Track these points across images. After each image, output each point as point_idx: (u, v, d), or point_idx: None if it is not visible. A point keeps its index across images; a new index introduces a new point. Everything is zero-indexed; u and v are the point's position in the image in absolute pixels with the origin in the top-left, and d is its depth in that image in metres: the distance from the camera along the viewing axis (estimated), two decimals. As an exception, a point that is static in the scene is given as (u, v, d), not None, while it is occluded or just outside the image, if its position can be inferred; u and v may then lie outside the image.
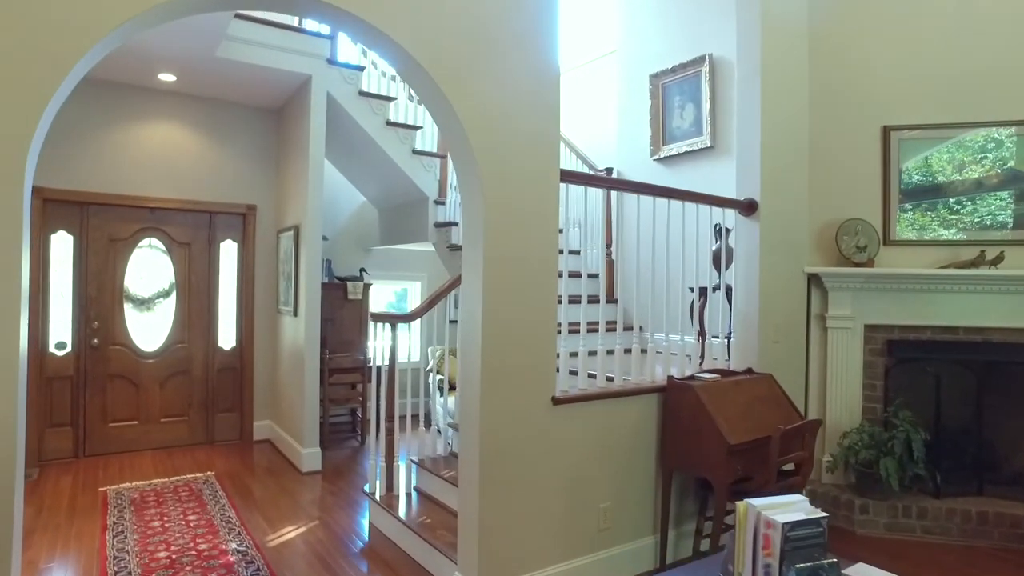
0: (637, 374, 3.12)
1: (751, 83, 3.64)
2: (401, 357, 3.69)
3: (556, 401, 2.68)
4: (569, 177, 2.80)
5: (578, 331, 2.92)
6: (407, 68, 2.42)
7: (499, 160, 2.51)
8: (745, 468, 2.85)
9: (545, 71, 2.66)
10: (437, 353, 5.01)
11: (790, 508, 1.49)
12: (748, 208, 3.60)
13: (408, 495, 3.61)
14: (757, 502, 1.51)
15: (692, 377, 3.14)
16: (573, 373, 2.95)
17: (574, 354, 2.93)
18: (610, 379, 3.05)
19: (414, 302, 6.82)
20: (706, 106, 4.33)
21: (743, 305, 3.63)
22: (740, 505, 1.53)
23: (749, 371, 3.42)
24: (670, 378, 3.05)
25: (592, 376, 2.99)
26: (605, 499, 2.89)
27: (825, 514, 1.49)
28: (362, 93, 4.77)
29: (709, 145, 4.32)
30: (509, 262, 2.53)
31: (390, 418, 3.64)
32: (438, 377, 4.56)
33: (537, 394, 2.63)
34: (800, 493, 2.95)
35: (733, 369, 3.47)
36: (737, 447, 2.77)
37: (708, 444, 2.83)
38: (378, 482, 3.62)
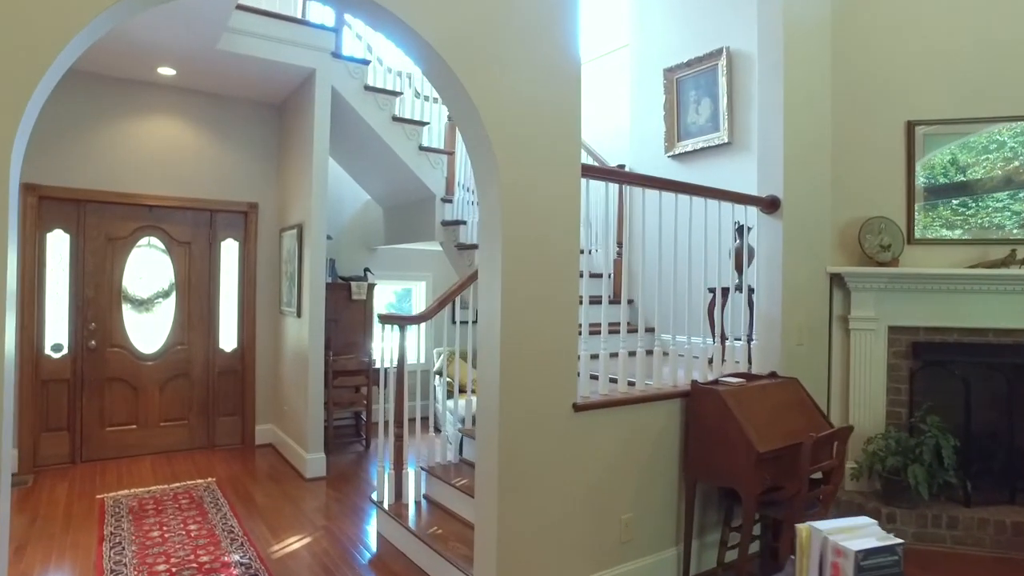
0: (658, 378, 2.99)
1: (773, 76, 3.51)
2: (408, 359, 3.55)
3: (577, 408, 2.54)
4: (590, 172, 2.67)
5: (596, 333, 2.79)
6: (422, 56, 2.28)
7: (519, 154, 2.38)
8: (774, 477, 2.72)
9: (566, 61, 2.53)
10: (443, 355, 4.88)
11: (860, 533, 1.36)
12: (770, 206, 3.47)
13: (418, 503, 3.48)
14: (822, 526, 1.38)
15: (716, 381, 3.01)
16: (593, 377, 2.81)
17: (594, 356, 2.80)
18: (631, 384, 2.91)
19: (418, 303, 6.69)
20: (723, 101, 4.20)
21: (765, 306, 3.50)
22: (803, 529, 1.39)
23: (773, 375, 3.29)
24: (694, 382, 2.92)
25: (613, 381, 2.86)
26: (627, 510, 2.76)
27: (900, 540, 1.36)
28: (367, 88, 4.63)
29: (726, 141, 4.19)
30: (529, 261, 2.40)
31: (399, 424, 3.50)
32: (445, 379, 4.41)
33: (558, 400, 2.49)
34: (830, 503, 2.83)
35: (756, 373, 3.34)
36: (766, 455, 2.64)
37: (735, 452, 2.70)
38: (386, 490, 3.49)
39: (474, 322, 5.78)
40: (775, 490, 2.77)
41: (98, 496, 3.89)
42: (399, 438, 3.50)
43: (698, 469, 2.88)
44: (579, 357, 2.60)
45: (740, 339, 3.67)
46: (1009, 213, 3.60)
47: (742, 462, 2.66)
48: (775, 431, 2.78)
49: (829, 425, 3.05)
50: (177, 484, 4.17)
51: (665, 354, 3.06)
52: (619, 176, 2.80)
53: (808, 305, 3.62)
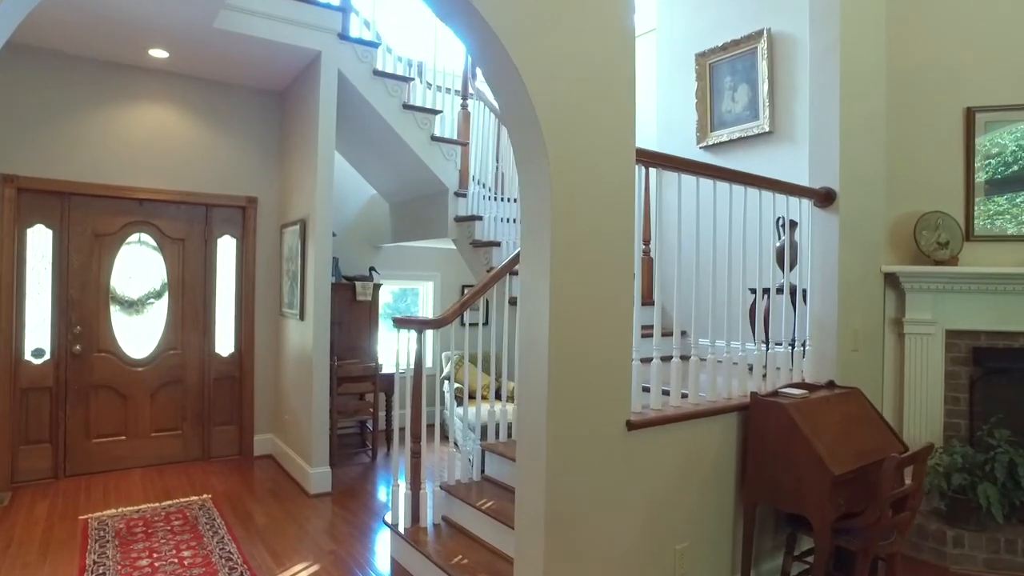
0: (712, 390, 2.67)
1: (827, 59, 3.20)
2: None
3: (632, 425, 2.22)
4: (647, 158, 2.34)
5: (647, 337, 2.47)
6: (461, 20, 1.95)
7: (569, 136, 2.05)
8: (848, 502, 2.41)
9: (619, 33, 2.20)
10: (452, 360, 4.56)
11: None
12: (825, 199, 3.16)
13: (436, 526, 3.15)
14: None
15: (776, 393, 2.70)
16: (645, 390, 2.49)
17: (645, 360, 2.47)
18: (684, 396, 2.59)
19: (426, 304, 6.35)
20: (763, 87, 3.89)
21: (819, 309, 3.19)
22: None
23: (831, 384, 2.99)
24: (753, 395, 2.60)
25: (665, 393, 2.54)
26: (682, 539, 2.44)
27: None
28: (376, 72, 4.30)
29: (767, 130, 3.88)
30: (581, 257, 2.08)
31: (416, 438, 3.17)
32: (454, 386, 4.08)
33: (611, 417, 2.17)
34: (907, 532, 2.52)
35: (813, 382, 3.03)
36: (840, 478, 2.33)
37: (804, 474, 2.38)
38: (401, 512, 3.15)
39: (477, 324, 5.46)
40: (847, 516, 2.46)
41: (81, 517, 3.53)
42: (416, 454, 3.17)
43: (758, 492, 2.57)
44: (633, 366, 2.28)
45: (781, 344, 3.37)
46: (1082, 207, 3.30)
47: (813, 485, 2.35)
48: (847, 450, 2.47)
49: (899, 441, 2.74)
50: (169, 502, 3.82)
51: (719, 362, 2.74)
52: (676, 163, 2.48)
53: (863, 307, 3.32)
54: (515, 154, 2.15)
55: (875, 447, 2.58)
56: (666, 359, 2.65)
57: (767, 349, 3.12)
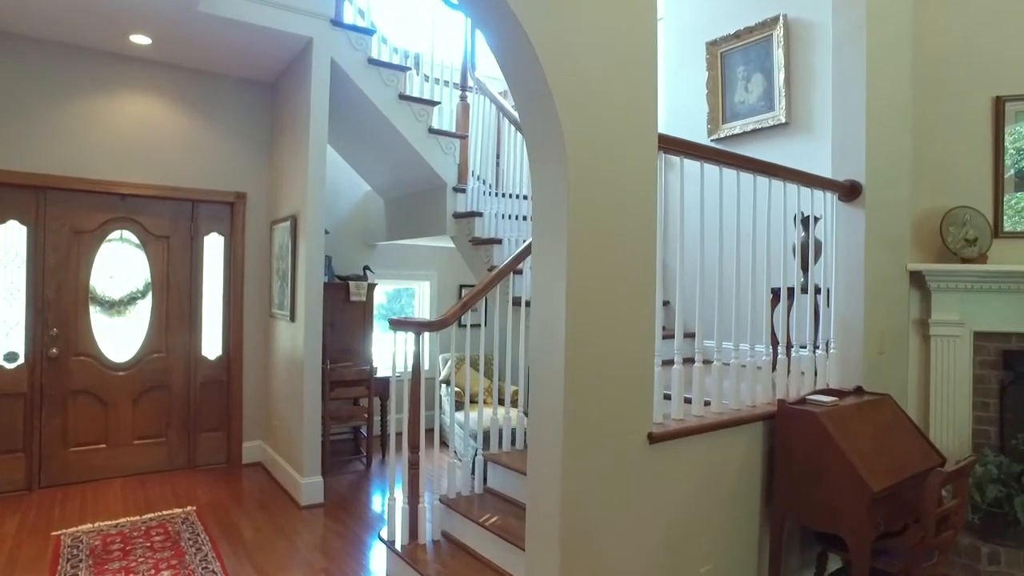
0: (735, 397, 2.47)
1: (851, 44, 3.01)
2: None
3: (653, 438, 2.02)
4: (670, 145, 2.14)
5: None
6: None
7: (588, 120, 1.85)
8: (885, 520, 2.21)
9: (641, 4, 2.00)
10: (451, 362, 4.35)
11: None
12: (850, 192, 2.97)
13: (436, 543, 2.94)
14: None
15: (804, 400, 2.50)
16: (664, 398, 2.29)
17: (666, 361, 2.27)
18: (707, 404, 2.39)
19: (422, 304, 6.14)
20: (779, 76, 3.70)
21: (844, 310, 3.00)
22: None
23: (859, 390, 2.79)
24: (781, 403, 2.40)
25: (687, 401, 2.33)
26: (706, 559, 2.24)
27: None
28: (371, 61, 4.08)
29: (783, 121, 3.68)
30: (599, 254, 1.87)
31: (414, 448, 2.96)
32: (453, 390, 3.87)
33: (631, 429, 1.97)
34: (949, 552, 2.32)
35: (839, 388, 2.83)
36: (880, 495, 2.13)
37: (839, 490, 2.19)
38: (398, 527, 2.94)
39: (479, 325, 5.25)
40: (885, 536, 2.27)
41: (54, 533, 3.30)
42: (414, 466, 2.95)
43: (787, 508, 2.37)
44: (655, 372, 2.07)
45: (805, 347, 3.17)
46: (1119, 202, 3.13)
47: (850, 503, 2.15)
48: (884, 463, 2.27)
49: (935, 452, 2.55)
50: (150, 515, 3.59)
51: (742, 366, 2.54)
52: (703, 152, 2.28)
53: (888, 308, 3.13)
54: (527, 141, 1.94)
55: (912, 459, 2.38)
56: (686, 362, 2.45)
57: (789, 352, 2.92)
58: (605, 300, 1.88)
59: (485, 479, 3.18)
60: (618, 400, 1.92)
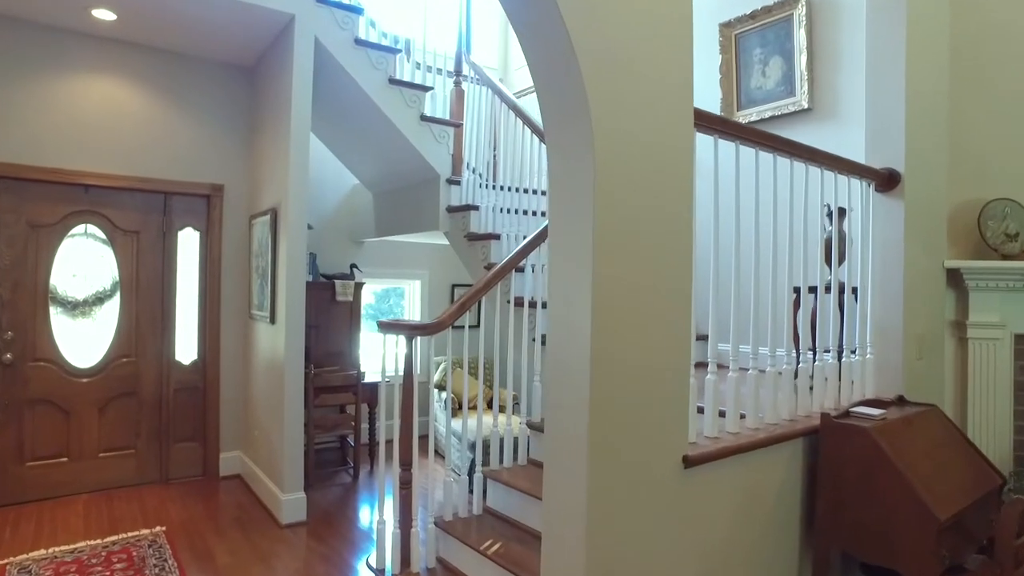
0: (773, 410, 2.19)
1: (888, 18, 2.74)
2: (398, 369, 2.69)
3: (689, 461, 1.73)
4: (708, 123, 1.85)
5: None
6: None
7: (619, 92, 1.56)
8: (952, 552, 1.93)
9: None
10: (446, 365, 4.05)
11: None
12: (887, 182, 2.70)
13: (430, 571, 2.63)
14: None
15: (848, 413, 2.22)
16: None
17: (699, 364, 1.97)
18: (742, 417, 2.11)
19: (412, 305, 5.82)
20: (800, 58, 3.43)
21: (880, 311, 2.72)
22: None
23: (901, 400, 2.52)
24: (825, 417, 2.12)
25: (721, 415, 2.04)
26: (743, 600, 1.95)
27: None
28: (359, 42, 3.76)
29: (805, 107, 3.42)
30: (630, 248, 1.58)
31: (405, 465, 2.65)
32: (449, 396, 3.57)
33: (665, 451, 1.68)
34: (1016, 583, 2.05)
35: (880, 398, 2.56)
36: (947, 523, 1.86)
37: (897, 518, 1.91)
38: (388, 554, 2.63)
39: (477, 326, 4.95)
40: (950, 571, 1.99)
41: (1, 562, 2.96)
42: (406, 485, 2.64)
43: (833, 536, 2.09)
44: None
45: (829, 352, 2.89)
46: None
47: (911, 533, 1.87)
48: (946, 486, 2.00)
49: (994, 471, 2.28)
50: (114, 538, 3.25)
51: (779, 374, 2.25)
52: (738, 131, 2.00)
53: (926, 309, 2.86)
54: (545, 118, 1.65)
55: (973, 481, 2.11)
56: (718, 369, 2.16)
57: (818, 358, 2.64)
58: (637, 300, 1.59)
59: (484, 495, 2.88)
60: (650, 418, 1.63)
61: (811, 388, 2.38)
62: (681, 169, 1.71)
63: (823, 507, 2.10)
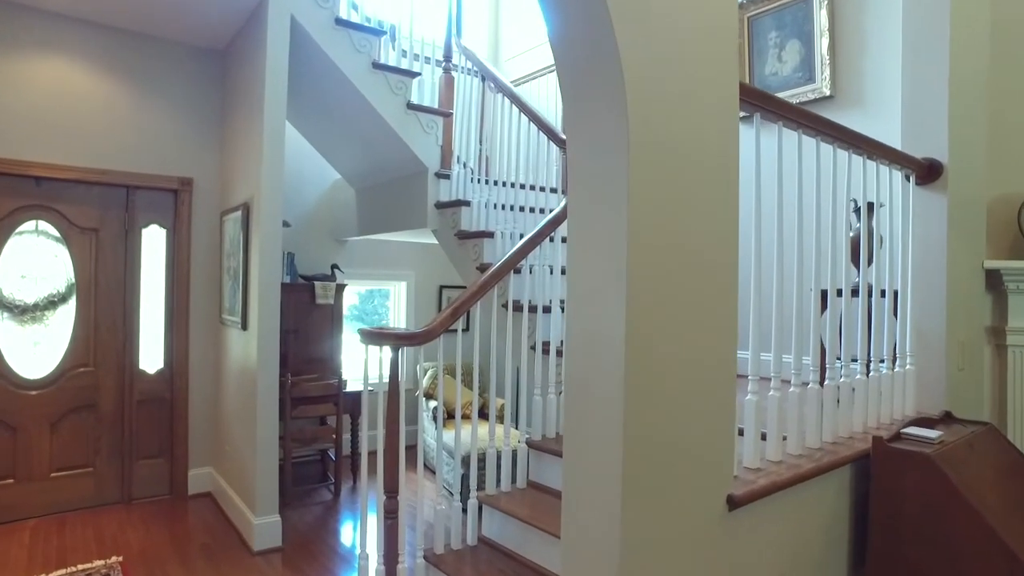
0: (818, 431, 1.90)
1: (927, -6, 2.48)
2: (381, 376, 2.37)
3: (734, 501, 1.43)
4: (757, 100, 1.56)
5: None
6: None
7: (656, 58, 1.26)
8: (1031, 601, 1.65)
9: None
10: (436, 373, 3.73)
11: None
12: (928, 173, 2.43)
13: (420, 613, 2.31)
14: None
15: (899, 436, 1.94)
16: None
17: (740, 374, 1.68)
18: (784, 439, 1.82)
19: (397, 309, 5.49)
20: (821, 42, 3.16)
21: (920, 317, 2.46)
22: None
23: (949, 417, 2.25)
24: (877, 440, 1.84)
25: (762, 438, 1.75)
26: (790, 658, 1.66)
27: None
28: (339, 22, 3.44)
29: (827, 94, 3.15)
30: (668, 256, 1.28)
31: (391, 491, 2.33)
32: (441, 407, 3.25)
33: (707, 491, 1.38)
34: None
35: (924, 415, 2.29)
36: (1028, 569, 1.58)
37: (970, 561, 1.63)
38: (373, 594, 2.31)
39: (469, 331, 4.64)
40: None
41: (-73, 605, 2.60)
42: (392, 515, 2.32)
43: (888, 579, 1.80)
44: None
45: (856, 361, 2.63)
46: None
47: (987, 580, 1.60)
48: (1022, 524, 1.72)
49: (1061, 498, 2.01)
50: (61, 572, 2.89)
51: (820, 388, 1.97)
52: (787, 110, 1.72)
53: (966, 314, 2.60)
54: (564, 92, 1.34)
55: (1045, 513, 1.84)
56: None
57: (849, 370, 2.36)
58: (674, 311, 1.29)
59: (480, 519, 2.57)
60: (691, 451, 1.34)
61: (840, 403, 2.10)
62: (726, 153, 1.41)
63: (877, 547, 1.82)
